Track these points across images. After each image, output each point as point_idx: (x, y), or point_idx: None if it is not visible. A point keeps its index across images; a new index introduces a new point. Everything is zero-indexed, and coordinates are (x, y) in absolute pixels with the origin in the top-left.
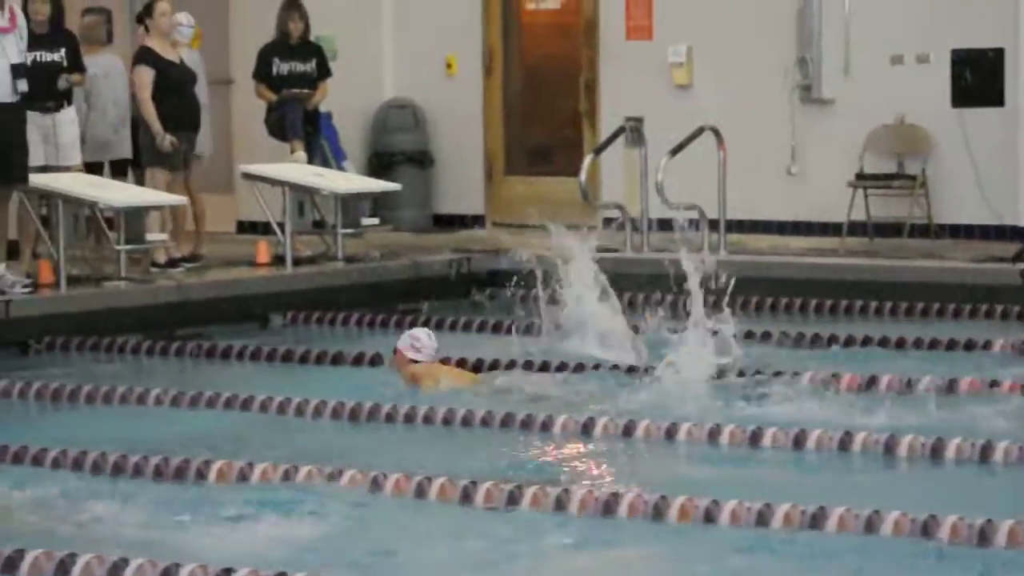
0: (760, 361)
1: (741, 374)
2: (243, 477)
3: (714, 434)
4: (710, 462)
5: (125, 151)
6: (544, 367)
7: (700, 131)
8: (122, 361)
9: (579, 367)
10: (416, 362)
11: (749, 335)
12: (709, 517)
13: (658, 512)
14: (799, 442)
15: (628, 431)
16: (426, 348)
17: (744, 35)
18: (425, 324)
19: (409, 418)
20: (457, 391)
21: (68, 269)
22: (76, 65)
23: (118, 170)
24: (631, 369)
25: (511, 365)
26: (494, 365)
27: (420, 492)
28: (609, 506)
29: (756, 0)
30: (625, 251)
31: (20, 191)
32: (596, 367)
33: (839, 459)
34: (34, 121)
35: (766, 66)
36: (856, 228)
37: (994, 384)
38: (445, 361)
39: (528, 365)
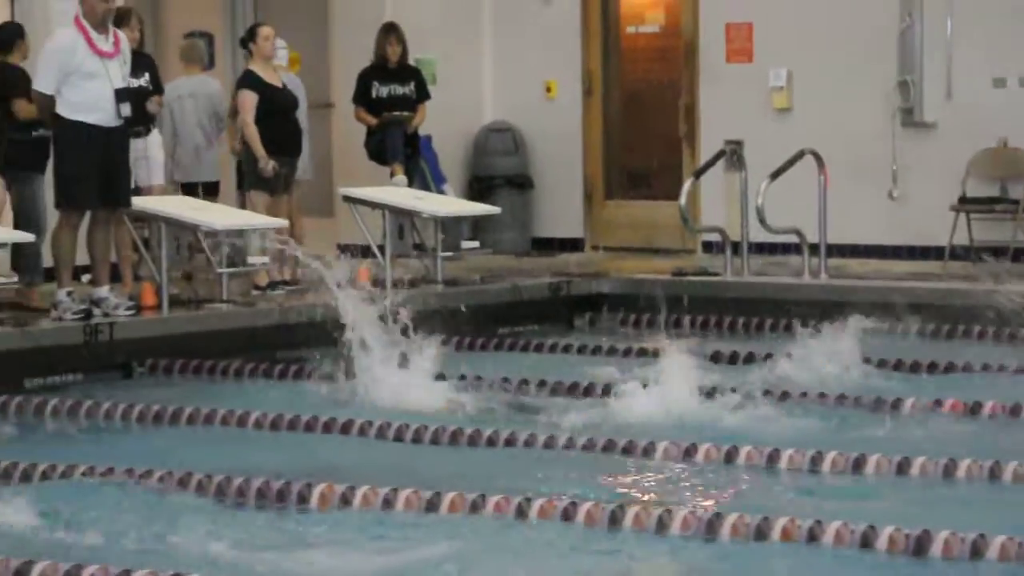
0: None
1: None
2: (345, 501)
3: (816, 461)
4: (811, 487)
5: (213, 173)
6: None
7: (801, 154)
8: (223, 383)
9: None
10: None
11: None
12: (812, 536)
13: (760, 533)
14: (902, 468)
15: (730, 457)
16: None
17: (845, 58)
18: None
19: (509, 443)
20: None
21: (170, 292)
22: (157, 89)
23: (209, 191)
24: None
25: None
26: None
27: (520, 512)
28: (712, 526)
29: (858, 23)
30: (725, 275)
31: (124, 214)
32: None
33: (943, 485)
34: None
35: (867, 89)
36: (958, 252)
37: None
38: None
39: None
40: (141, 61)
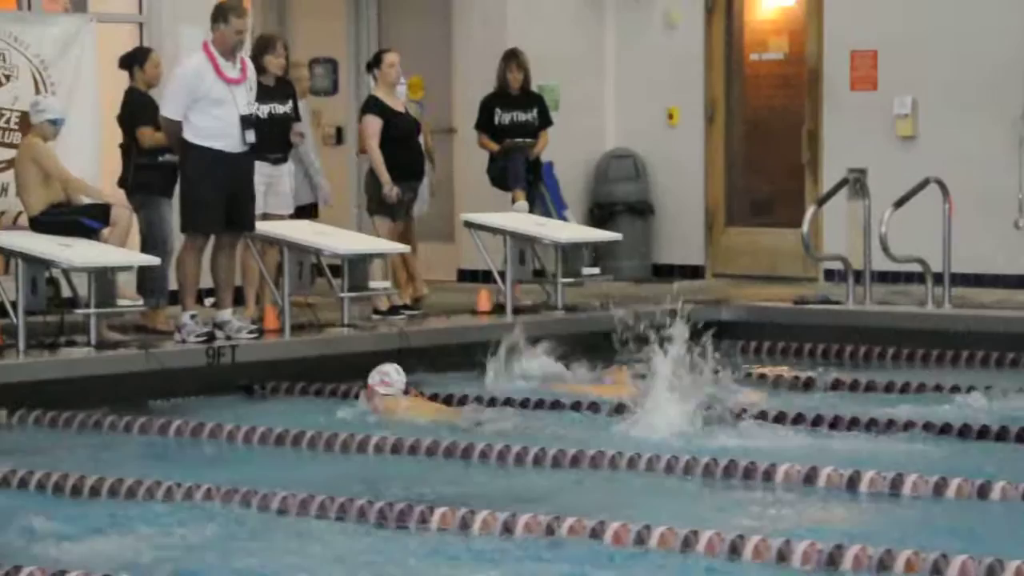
0: None
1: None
2: (465, 524)
3: (940, 488)
4: (935, 515)
5: (310, 195)
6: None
7: (925, 183)
8: (344, 406)
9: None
10: (387, 396)
11: (970, 390)
12: (936, 569)
13: (883, 565)
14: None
15: (852, 483)
16: (395, 383)
17: (970, 86)
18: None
19: (633, 463)
20: (436, 422)
21: (292, 315)
22: (296, 116)
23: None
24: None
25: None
26: (462, 400)
27: (640, 540)
28: (833, 559)
29: (983, 50)
30: (847, 303)
31: (248, 238)
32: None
33: None
34: (260, 170)
35: (993, 117)
36: None
37: None
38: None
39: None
40: (285, 88)
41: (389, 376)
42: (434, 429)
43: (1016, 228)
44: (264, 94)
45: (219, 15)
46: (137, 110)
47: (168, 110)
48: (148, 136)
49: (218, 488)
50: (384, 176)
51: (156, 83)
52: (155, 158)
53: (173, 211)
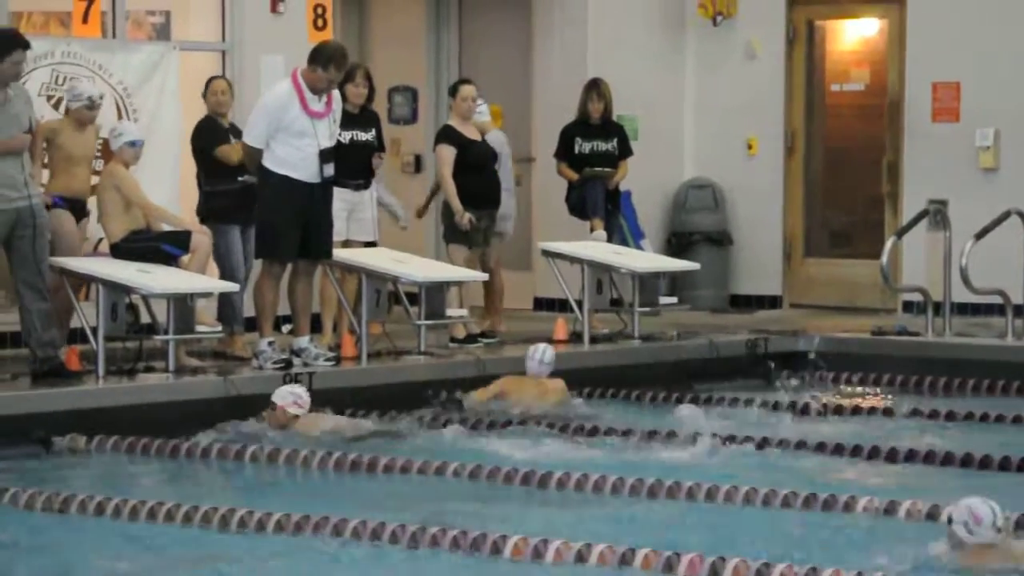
0: None
1: None
2: (537, 554)
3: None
4: None
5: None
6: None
7: (1007, 215)
8: (418, 431)
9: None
10: (297, 417)
11: None
12: None
13: None
14: None
15: (932, 515)
16: (306, 403)
17: None
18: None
19: (691, 494)
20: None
21: (369, 343)
22: (381, 145)
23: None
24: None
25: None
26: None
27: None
28: None
29: None
30: (926, 335)
31: (325, 265)
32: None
33: None
34: (343, 196)
35: None
36: None
37: None
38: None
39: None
40: (369, 117)
41: (301, 398)
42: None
43: None
44: (348, 121)
45: (319, 58)
46: (202, 136)
47: (250, 137)
48: (231, 151)
49: (307, 518)
50: (456, 204)
51: (220, 110)
52: (224, 184)
53: (248, 239)
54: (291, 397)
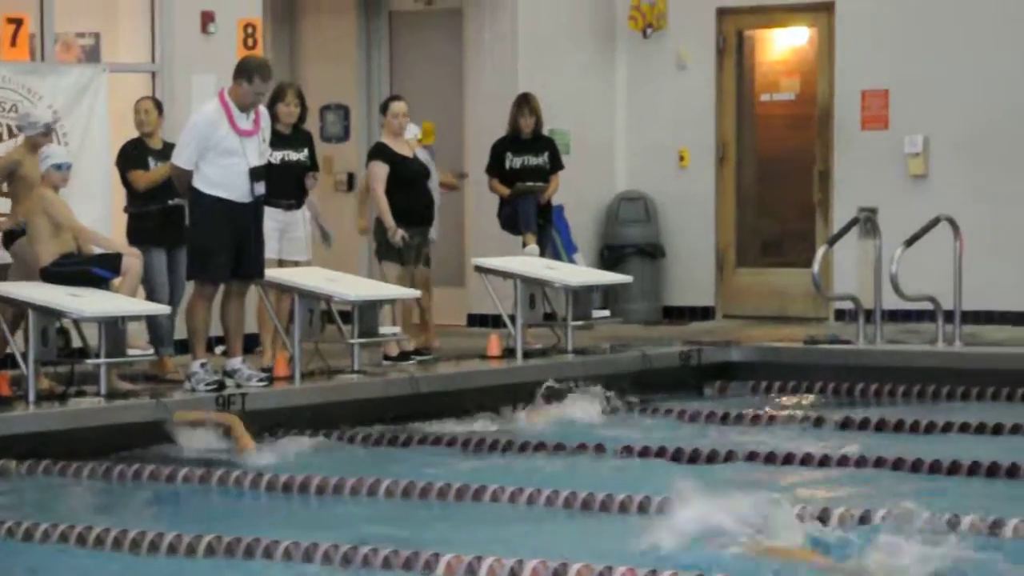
0: None
1: None
2: (471, 570)
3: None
4: None
5: None
6: None
7: (936, 221)
8: (354, 450)
9: None
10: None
11: (980, 427)
12: None
13: None
14: None
15: (864, 520)
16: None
17: (980, 124)
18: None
19: (624, 507)
20: None
21: (303, 363)
22: (314, 164)
23: None
24: None
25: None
26: None
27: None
28: None
29: (993, 89)
30: (858, 343)
31: (257, 285)
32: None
33: None
34: (274, 217)
35: (1005, 155)
36: None
37: None
38: None
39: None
40: (301, 136)
41: None
42: None
43: None
44: (279, 141)
45: (243, 73)
46: (121, 159)
47: (180, 159)
48: (140, 177)
49: (238, 540)
50: (389, 221)
51: (144, 129)
52: (148, 206)
53: (177, 260)
54: None
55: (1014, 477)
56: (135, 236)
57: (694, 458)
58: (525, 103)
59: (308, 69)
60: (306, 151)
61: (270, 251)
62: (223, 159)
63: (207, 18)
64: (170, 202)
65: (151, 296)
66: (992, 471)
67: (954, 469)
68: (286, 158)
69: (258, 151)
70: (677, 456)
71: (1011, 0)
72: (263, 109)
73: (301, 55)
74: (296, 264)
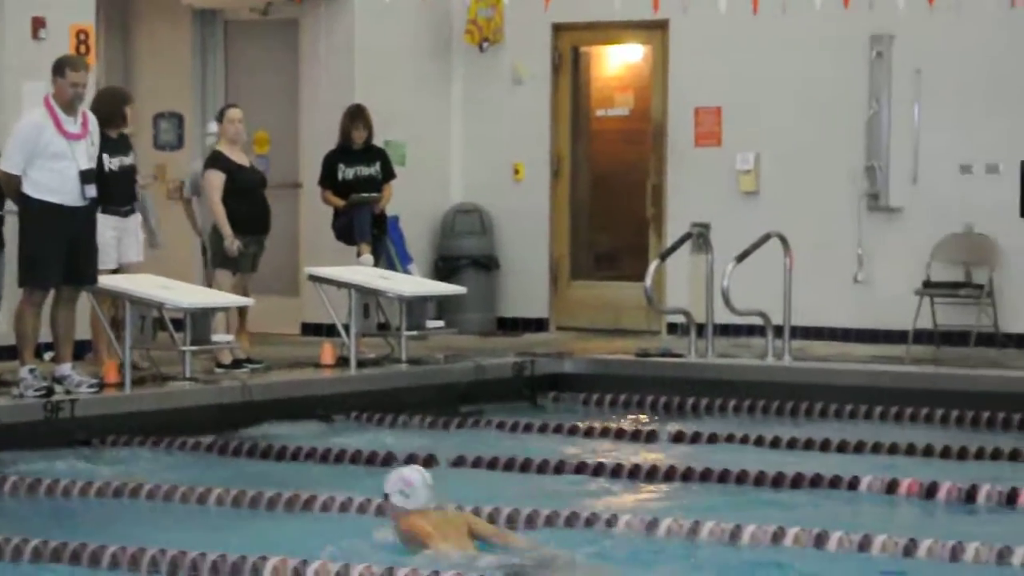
0: None
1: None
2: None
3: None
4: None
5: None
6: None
7: (767, 237)
8: (188, 460)
9: None
10: (406, 511)
11: (809, 443)
12: None
13: None
14: (863, 546)
15: (694, 531)
16: (418, 494)
17: (813, 143)
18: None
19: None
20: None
21: (135, 370)
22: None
23: None
24: None
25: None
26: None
27: None
28: None
29: (826, 108)
30: (689, 356)
31: (89, 291)
32: None
33: (905, 566)
34: (110, 223)
35: (834, 174)
36: (922, 336)
37: None
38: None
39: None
40: (127, 141)
41: (411, 486)
42: None
43: (855, 282)
44: (114, 148)
45: (56, 68)
46: None
47: (7, 164)
48: None
49: (64, 545)
50: (226, 230)
51: None
52: None
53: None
54: (398, 484)
55: (836, 488)
56: None
57: (525, 467)
58: (359, 117)
59: (142, 76)
60: (133, 155)
61: (109, 260)
62: (52, 163)
63: (38, 24)
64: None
65: None
66: (815, 483)
67: (778, 481)
68: (122, 163)
69: (87, 154)
70: (509, 466)
71: (834, 23)
72: (90, 114)
73: (135, 62)
74: (134, 265)
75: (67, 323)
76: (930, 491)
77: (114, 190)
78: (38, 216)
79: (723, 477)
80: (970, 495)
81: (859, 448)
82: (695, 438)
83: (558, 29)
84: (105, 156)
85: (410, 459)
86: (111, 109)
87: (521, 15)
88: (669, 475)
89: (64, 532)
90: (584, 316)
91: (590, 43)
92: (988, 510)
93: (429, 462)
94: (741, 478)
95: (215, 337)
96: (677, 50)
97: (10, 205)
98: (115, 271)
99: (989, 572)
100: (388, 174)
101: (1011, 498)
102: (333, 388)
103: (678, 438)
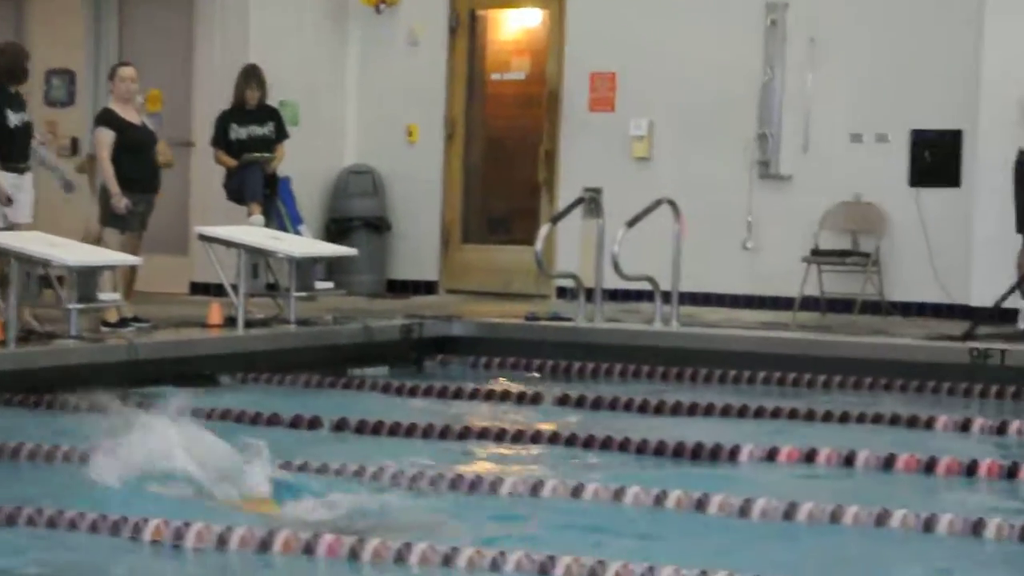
0: None
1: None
2: (223, 541)
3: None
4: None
5: None
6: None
7: (658, 203)
8: (64, 417)
9: None
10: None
11: (693, 407)
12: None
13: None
14: (743, 511)
15: (576, 493)
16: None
17: (705, 110)
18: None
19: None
20: None
21: (21, 327)
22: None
23: None
24: None
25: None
26: None
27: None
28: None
29: (719, 76)
30: (578, 321)
31: None
32: None
33: (783, 529)
34: (9, 181)
35: (726, 141)
36: (809, 303)
37: (931, 463)
38: None
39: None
40: (22, 98)
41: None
42: None
43: (745, 249)
44: (17, 104)
45: None
46: None
47: None
48: None
49: None
50: (114, 187)
51: None
52: None
53: None
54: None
55: (717, 459)
56: None
57: (410, 431)
58: (252, 76)
59: (34, 33)
60: (28, 112)
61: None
62: None
63: None
64: None
65: None
66: (696, 453)
67: (660, 449)
68: (23, 119)
69: None
70: (376, 429)
71: None
72: None
73: (27, 19)
74: (21, 225)
75: None
76: (809, 456)
77: (15, 146)
78: None
79: (605, 444)
80: (848, 460)
81: (742, 413)
82: (580, 402)
83: None
84: (9, 112)
85: (295, 421)
86: (14, 65)
87: None
88: (553, 439)
89: None
90: (474, 279)
91: (487, 7)
92: (865, 474)
93: (314, 424)
94: (623, 446)
95: (102, 295)
96: (574, 15)
97: None
98: (8, 228)
99: (868, 534)
100: (281, 134)
101: (888, 463)
102: (220, 348)
103: (563, 401)
